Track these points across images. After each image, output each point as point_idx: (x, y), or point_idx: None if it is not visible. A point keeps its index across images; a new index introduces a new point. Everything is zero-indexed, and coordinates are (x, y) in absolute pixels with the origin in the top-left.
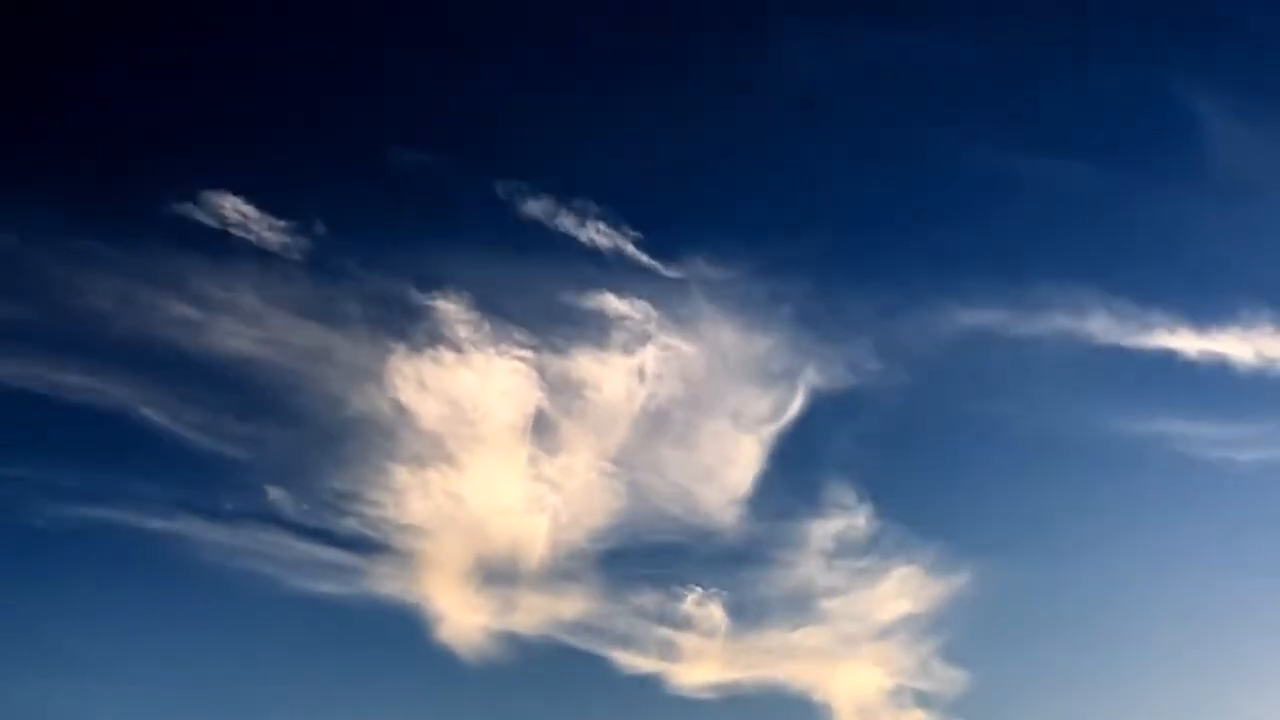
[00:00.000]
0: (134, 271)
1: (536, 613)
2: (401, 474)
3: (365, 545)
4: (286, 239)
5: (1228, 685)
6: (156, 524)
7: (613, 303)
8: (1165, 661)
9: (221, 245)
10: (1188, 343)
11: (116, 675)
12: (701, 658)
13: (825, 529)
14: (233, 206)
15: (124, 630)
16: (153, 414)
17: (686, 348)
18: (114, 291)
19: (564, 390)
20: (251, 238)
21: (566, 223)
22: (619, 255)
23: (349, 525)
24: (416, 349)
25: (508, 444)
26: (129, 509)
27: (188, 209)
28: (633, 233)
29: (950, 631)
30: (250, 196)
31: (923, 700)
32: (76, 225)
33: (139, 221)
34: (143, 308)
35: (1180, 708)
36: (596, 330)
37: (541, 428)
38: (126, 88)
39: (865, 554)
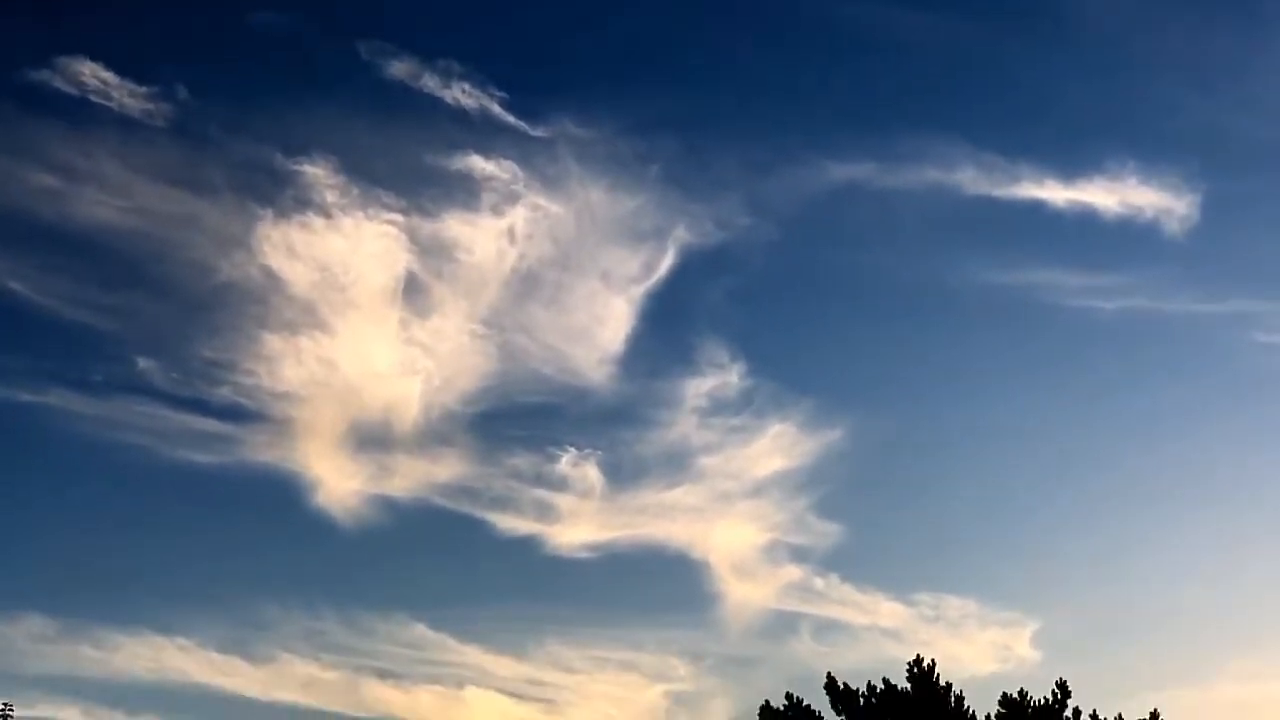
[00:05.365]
0: None
1: (411, 477)
2: (273, 341)
3: (239, 414)
4: (149, 105)
5: (1095, 527)
6: (24, 396)
7: (480, 164)
8: (1035, 506)
9: (82, 113)
10: (1055, 193)
11: None
12: (578, 518)
13: (699, 387)
14: (91, 73)
15: None
16: (17, 286)
17: (555, 208)
18: None
19: (434, 253)
20: (112, 105)
21: (431, 84)
22: (485, 116)
23: (222, 394)
24: (284, 215)
25: (379, 308)
26: None
27: (44, 76)
28: (498, 93)
29: (824, 486)
30: (109, 62)
31: (798, 554)
32: None
33: None
34: (1, 178)
35: (1049, 551)
36: (465, 192)
37: (412, 291)
38: None
39: (739, 411)
